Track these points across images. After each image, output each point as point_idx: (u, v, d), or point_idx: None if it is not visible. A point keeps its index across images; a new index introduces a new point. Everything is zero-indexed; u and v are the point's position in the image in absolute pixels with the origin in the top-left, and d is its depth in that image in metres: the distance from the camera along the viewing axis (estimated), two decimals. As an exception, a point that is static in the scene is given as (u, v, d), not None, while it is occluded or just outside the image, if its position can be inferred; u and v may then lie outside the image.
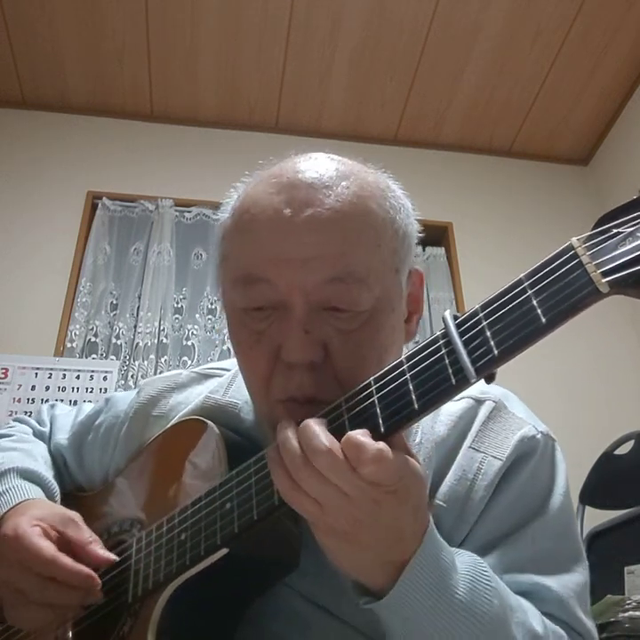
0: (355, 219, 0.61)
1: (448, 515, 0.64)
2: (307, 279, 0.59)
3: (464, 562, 0.56)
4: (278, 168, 0.65)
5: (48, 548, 0.63)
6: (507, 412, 0.71)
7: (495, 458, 0.66)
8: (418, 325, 0.71)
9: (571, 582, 0.64)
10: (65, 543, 0.67)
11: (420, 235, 0.69)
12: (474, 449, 0.67)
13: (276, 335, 0.60)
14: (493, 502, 0.65)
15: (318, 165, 0.64)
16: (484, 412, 0.70)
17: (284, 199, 0.61)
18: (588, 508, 1.77)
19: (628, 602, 1.34)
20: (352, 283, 0.59)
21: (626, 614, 1.30)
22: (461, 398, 0.71)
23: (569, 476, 0.71)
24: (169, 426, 0.76)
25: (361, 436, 0.50)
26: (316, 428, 0.51)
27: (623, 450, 1.78)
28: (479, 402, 0.71)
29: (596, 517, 1.72)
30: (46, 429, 0.92)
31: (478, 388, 0.72)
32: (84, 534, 0.68)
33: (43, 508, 0.71)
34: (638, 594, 1.40)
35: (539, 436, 0.69)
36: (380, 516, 0.50)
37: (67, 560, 0.63)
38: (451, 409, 0.70)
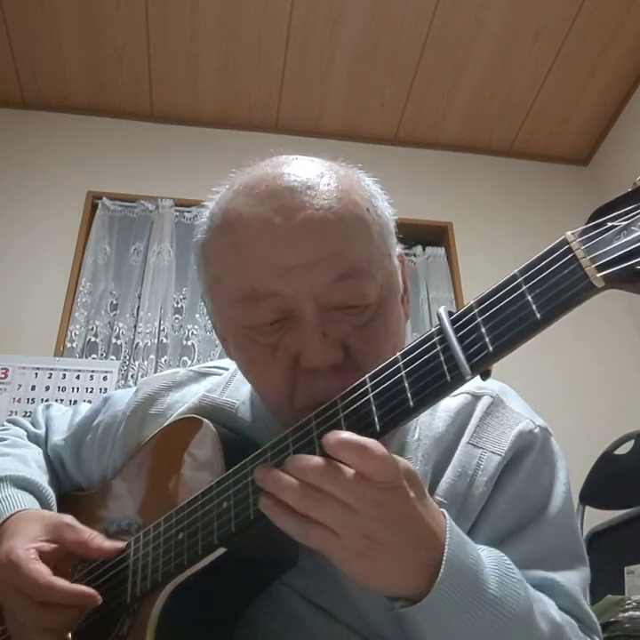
0: (345, 213, 0.61)
1: (449, 511, 0.63)
2: (313, 283, 0.59)
3: (488, 556, 0.57)
4: (250, 179, 0.64)
5: (43, 573, 0.62)
6: (504, 407, 0.71)
7: (494, 453, 0.67)
8: (408, 305, 0.72)
9: (575, 577, 0.65)
10: (65, 552, 0.66)
11: (394, 218, 0.70)
12: (472, 445, 0.67)
13: (291, 345, 0.60)
14: (495, 498, 0.66)
15: (290, 168, 0.63)
16: (481, 407, 0.70)
17: (271, 208, 0.60)
18: (588, 508, 1.77)
19: (628, 602, 1.34)
20: (357, 276, 0.60)
21: (626, 614, 1.30)
22: (459, 394, 0.71)
23: (569, 475, 0.71)
24: (165, 424, 0.76)
25: (355, 435, 0.49)
26: (294, 456, 0.52)
27: (623, 450, 1.78)
28: (476, 397, 0.71)
29: (596, 517, 1.72)
30: (41, 431, 0.92)
31: (476, 383, 0.72)
32: (83, 534, 0.67)
33: (35, 522, 0.70)
34: (638, 594, 1.40)
35: (536, 430, 0.70)
36: (390, 520, 0.49)
37: (62, 583, 0.62)
38: (448, 405, 0.70)
